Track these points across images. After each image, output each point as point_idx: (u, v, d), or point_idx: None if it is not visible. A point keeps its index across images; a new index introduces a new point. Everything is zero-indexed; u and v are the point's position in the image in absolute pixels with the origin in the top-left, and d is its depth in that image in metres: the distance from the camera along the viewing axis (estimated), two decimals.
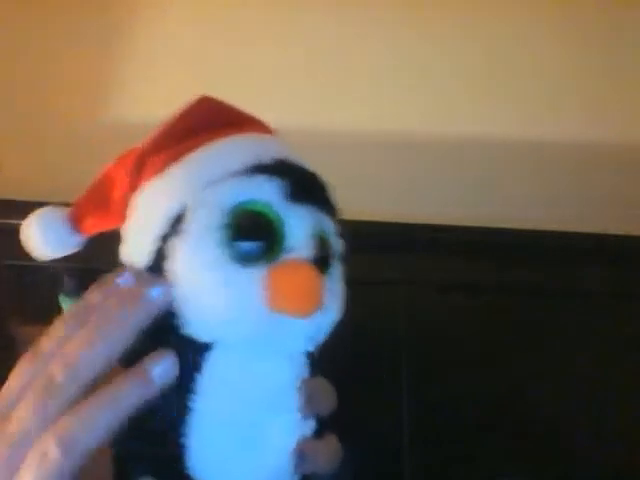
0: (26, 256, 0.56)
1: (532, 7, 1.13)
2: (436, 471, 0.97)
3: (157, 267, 0.47)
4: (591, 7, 1.12)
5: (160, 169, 0.52)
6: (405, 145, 1.13)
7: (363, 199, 0.98)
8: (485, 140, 1.12)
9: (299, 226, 0.48)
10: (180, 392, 0.45)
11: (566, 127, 1.12)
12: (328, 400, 0.51)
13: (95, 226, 0.56)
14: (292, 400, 0.48)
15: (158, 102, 1.15)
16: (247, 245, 0.46)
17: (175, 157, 0.52)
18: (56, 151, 1.14)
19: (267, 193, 0.48)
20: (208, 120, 0.55)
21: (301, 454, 0.48)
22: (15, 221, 0.56)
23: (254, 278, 0.46)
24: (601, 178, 1.11)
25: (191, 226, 0.47)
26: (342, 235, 0.54)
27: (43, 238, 0.55)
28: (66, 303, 0.56)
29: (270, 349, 0.47)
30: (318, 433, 0.51)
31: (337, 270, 0.52)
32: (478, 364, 1.02)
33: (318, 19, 1.15)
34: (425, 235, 1.05)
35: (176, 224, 0.47)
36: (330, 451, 0.51)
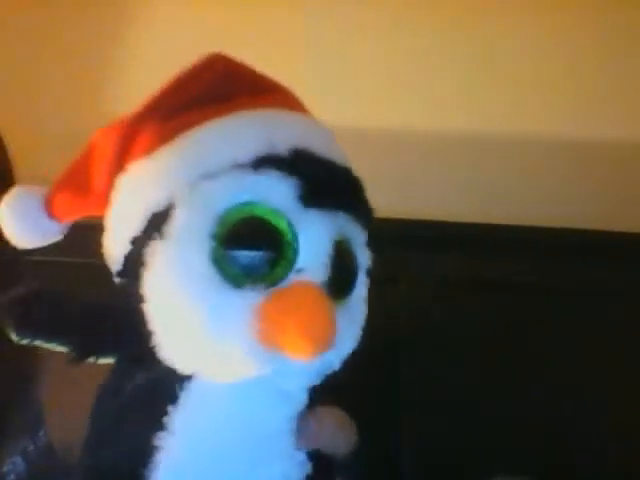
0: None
1: (530, 5, 1.13)
2: (436, 471, 0.97)
3: (132, 272, 0.37)
4: (590, 6, 1.12)
5: (149, 148, 0.41)
6: (405, 142, 1.13)
7: None
8: (485, 138, 1.12)
9: (315, 239, 0.37)
10: (149, 427, 0.35)
11: (565, 124, 1.12)
12: (346, 436, 0.40)
13: (73, 212, 0.46)
14: (285, 446, 0.37)
15: None
16: (244, 259, 0.35)
17: (168, 135, 0.41)
18: (57, 144, 1.13)
19: (277, 194, 0.36)
20: (216, 87, 0.43)
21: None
22: None
23: (247, 304, 0.35)
24: (600, 176, 1.11)
25: (176, 229, 0.36)
26: (370, 243, 0.43)
27: (18, 225, 0.46)
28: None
29: (263, 388, 0.36)
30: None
31: (360, 290, 0.42)
32: (478, 364, 1.02)
33: (318, 18, 1.15)
34: (425, 232, 1.04)
35: (160, 222, 0.36)
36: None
